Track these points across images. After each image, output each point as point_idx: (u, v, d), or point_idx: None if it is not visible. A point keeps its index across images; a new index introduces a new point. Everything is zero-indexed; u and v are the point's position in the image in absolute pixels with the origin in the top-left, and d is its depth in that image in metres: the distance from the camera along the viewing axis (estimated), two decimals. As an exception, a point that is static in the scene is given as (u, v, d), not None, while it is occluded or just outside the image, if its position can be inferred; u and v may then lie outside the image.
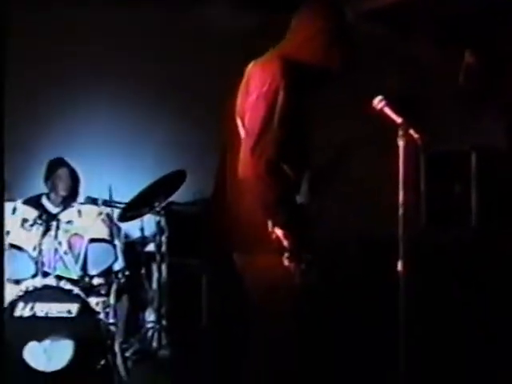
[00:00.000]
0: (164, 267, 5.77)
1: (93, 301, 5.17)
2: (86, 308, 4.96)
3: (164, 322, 5.72)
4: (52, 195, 6.19)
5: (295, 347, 3.43)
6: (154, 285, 5.91)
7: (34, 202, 5.82)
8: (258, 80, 3.37)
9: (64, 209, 5.84)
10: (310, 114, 3.50)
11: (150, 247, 5.97)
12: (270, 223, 3.30)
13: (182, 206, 6.31)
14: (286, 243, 3.28)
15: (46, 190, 6.24)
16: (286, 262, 3.29)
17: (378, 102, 3.62)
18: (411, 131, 3.53)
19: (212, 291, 6.29)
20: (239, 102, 3.50)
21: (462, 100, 6.22)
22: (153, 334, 5.72)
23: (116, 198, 5.79)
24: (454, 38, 6.23)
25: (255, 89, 3.37)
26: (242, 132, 3.42)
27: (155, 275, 5.88)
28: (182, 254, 6.09)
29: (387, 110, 3.59)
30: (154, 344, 5.71)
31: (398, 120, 3.57)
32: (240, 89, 3.51)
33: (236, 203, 3.44)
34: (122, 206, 5.70)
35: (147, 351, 5.63)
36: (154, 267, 5.89)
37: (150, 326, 5.83)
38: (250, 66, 3.52)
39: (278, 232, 3.28)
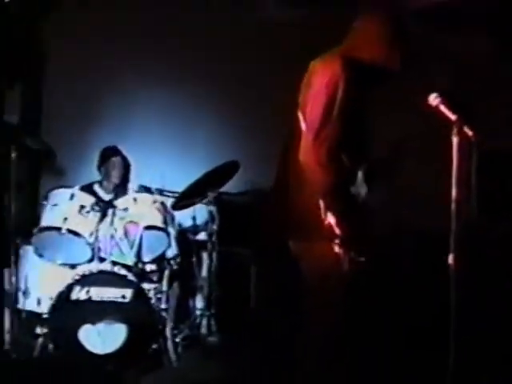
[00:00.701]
0: (214, 256, 5.87)
1: (146, 286, 5.27)
2: (139, 293, 5.10)
3: (213, 310, 5.83)
4: (104, 182, 6.33)
5: (343, 334, 3.52)
6: (205, 273, 6.01)
7: (88, 189, 5.94)
8: (320, 75, 3.54)
9: (116, 196, 6.00)
10: (368, 108, 3.61)
11: (202, 236, 6.07)
12: (323, 210, 3.42)
13: (233, 196, 6.40)
14: (337, 231, 3.39)
15: (98, 178, 6.37)
16: (337, 249, 3.41)
17: (434, 99, 3.68)
18: (465, 128, 3.59)
19: (260, 280, 6.36)
20: (302, 95, 3.64)
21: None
22: (202, 321, 5.86)
23: (167, 187, 5.92)
24: (506, 34, 6.23)
25: (316, 83, 3.53)
26: (303, 124, 3.55)
27: (206, 263, 5.98)
28: (232, 243, 6.18)
29: (442, 107, 3.65)
30: (204, 330, 5.85)
31: (453, 117, 3.62)
32: (303, 83, 3.65)
33: (296, 192, 3.55)
34: (175, 194, 5.83)
35: (197, 337, 5.77)
36: (205, 255, 6.00)
37: (199, 312, 5.97)
38: (313, 62, 3.64)
39: (331, 219, 3.40)
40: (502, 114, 6.16)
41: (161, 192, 5.74)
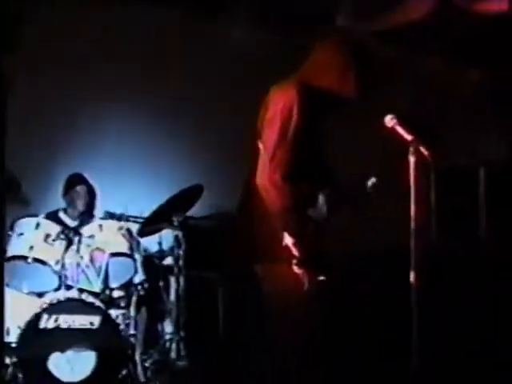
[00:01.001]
0: (181, 280, 5.90)
1: (113, 313, 5.30)
2: (107, 320, 5.13)
3: (182, 334, 5.85)
4: (69, 210, 6.34)
5: (310, 351, 3.59)
6: (172, 297, 6.03)
7: (53, 216, 5.97)
8: (276, 101, 3.66)
9: (81, 223, 6.03)
10: (325, 134, 3.69)
11: (168, 260, 6.10)
12: (280, 232, 3.51)
13: (198, 220, 6.44)
14: (295, 251, 3.47)
15: (63, 205, 6.38)
16: (296, 270, 3.48)
17: (390, 121, 3.77)
18: (421, 148, 3.68)
19: (228, 303, 6.41)
20: (260, 120, 3.72)
21: (470, 116, 6.38)
22: (171, 345, 5.88)
23: (133, 213, 5.96)
24: (462, 55, 6.37)
25: (272, 108, 3.62)
26: (261, 148, 3.63)
27: (173, 287, 6.01)
28: (198, 267, 6.22)
29: (398, 128, 3.75)
30: (173, 355, 5.86)
31: (409, 138, 3.71)
32: (261, 108, 3.73)
33: (257, 215, 3.62)
34: (140, 220, 5.88)
35: (166, 362, 5.77)
36: (172, 280, 6.03)
37: (168, 337, 5.97)
38: (272, 88, 3.73)
39: (288, 240, 3.48)
40: (458, 133, 6.31)
41: (127, 218, 5.77)
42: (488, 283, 5.64)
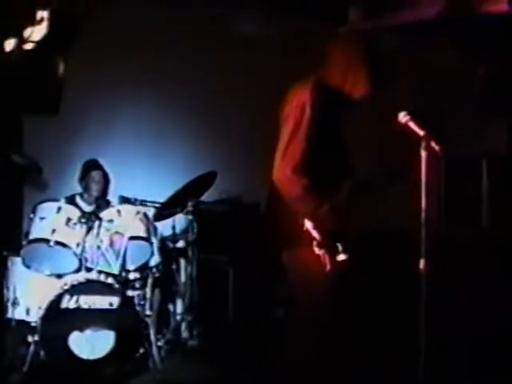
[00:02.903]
0: (194, 262, 6.12)
1: (130, 294, 5.52)
2: (125, 301, 5.35)
3: (193, 315, 6.09)
4: (85, 195, 6.55)
5: (330, 330, 3.82)
6: (184, 279, 6.24)
7: (71, 201, 6.15)
8: (293, 98, 3.86)
9: (97, 207, 6.24)
10: (344, 130, 3.91)
11: (181, 244, 6.32)
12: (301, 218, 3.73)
13: (209, 205, 6.65)
14: (314, 234, 3.69)
15: (79, 190, 6.59)
16: (316, 251, 3.71)
17: (403, 117, 3.98)
18: (433, 143, 3.89)
19: (237, 285, 6.63)
20: (281, 114, 3.93)
21: (476, 108, 6.57)
22: (182, 325, 6.11)
23: (147, 198, 6.16)
24: (470, 50, 6.53)
25: (288, 106, 3.84)
26: None
27: (186, 270, 6.23)
28: (210, 250, 6.44)
29: (411, 124, 3.95)
30: (184, 335, 6.09)
31: (421, 133, 3.92)
32: (283, 104, 3.93)
33: (281, 205, 3.84)
34: (154, 205, 6.08)
35: (178, 341, 6.01)
36: (185, 263, 6.25)
37: (180, 317, 6.21)
38: (292, 88, 3.93)
39: (308, 224, 3.70)
40: (466, 125, 6.49)
41: (141, 203, 5.98)
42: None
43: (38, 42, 4.53)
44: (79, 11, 6.04)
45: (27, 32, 4.37)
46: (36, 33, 4.45)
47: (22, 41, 4.47)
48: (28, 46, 4.49)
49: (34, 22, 4.30)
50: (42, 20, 4.44)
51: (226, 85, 7.19)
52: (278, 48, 7.13)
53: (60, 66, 4.89)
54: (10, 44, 4.37)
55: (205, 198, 6.36)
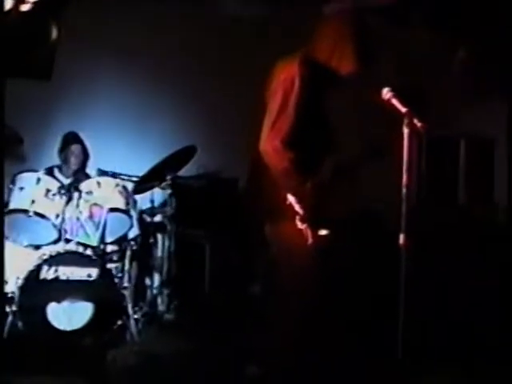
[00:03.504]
0: (171, 236, 6.14)
1: (108, 266, 5.53)
2: (104, 272, 5.38)
3: (170, 288, 6.10)
4: (64, 167, 6.54)
5: (312, 304, 3.88)
6: (161, 253, 6.27)
7: (49, 173, 6.15)
8: (281, 72, 3.90)
9: (76, 180, 6.22)
10: (330, 106, 3.95)
11: (158, 218, 6.34)
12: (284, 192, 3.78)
13: (187, 180, 6.68)
14: (297, 209, 3.74)
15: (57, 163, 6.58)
16: (299, 225, 3.76)
17: (386, 93, 4.02)
18: (415, 120, 3.94)
19: (214, 259, 6.67)
20: (266, 91, 3.96)
21: (455, 89, 6.65)
22: (159, 299, 6.14)
23: (124, 172, 6.17)
24: (450, 29, 6.60)
25: (276, 79, 3.88)
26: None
27: (163, 244, 6.25)
28: (187, 224, 6.47)
29: (394, 101, 4.00)
30: (161, 308, 6.13)
31: (404, 110, 3.97)
32: (269, 79, 3.96)
33: (264, 179, 3.88)
34: (131, 178, 6.09)
35: (155, 314, 6.03)
36: (162, 236, 6.27)
37: (157, 291, 6.24)
38: (280, 61, 3.96)
39: (291, 198, 3.75)
40: (445, 105, 6.57)
41: (118, 176, 5.98)
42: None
43: (34, 4, 4.51)
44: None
45: (25, -9, 4.37)
46: (32, -6, 4.44)
47: (19, 0, 4.45)
48: (25, 7, 4.47)
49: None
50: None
51: (207, 61, 7.21)
52: (257, 26, 7.13)
53: (54, 30, 4.87)
54: (8, 3, 4.35)
55: (183, 172, 6.36)
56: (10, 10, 4.05)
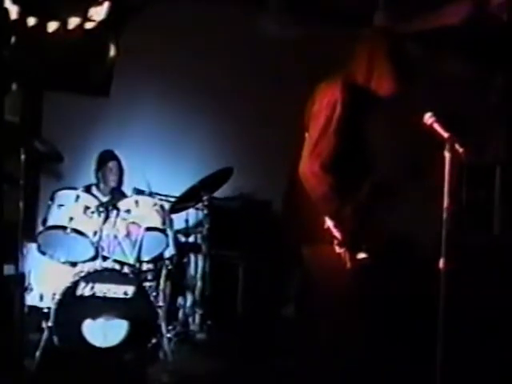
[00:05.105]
0: (205, 257, 6.18)
1: (144, 284, 5.54)
2: (140, 290, 5.40)
3: (203, 308, 6.14)
4: (101, 185, 6.60)
5: (349, 327, 3.88)
6: (195, 273, 6.31)
7: (88, 191, 6.19)
8: (322, 96, 3.92)
9: (113, 198, 6.29)
10: (369, 129, 3.98)
11: (193, 238, 6.38)
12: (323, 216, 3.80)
13: (222, 201, 6.72)
14: (335, 233, 3.75)
15: (94, 181, 6.64)
16: (337, 250, 3.78)
17: (428, 118, 4.05)
18: (457, 145, 3.95)
19: (247, 280, 6.70)
20: (307, 113, 3.99)
21: (492, 116, 6.66)
22: (193, 318, 6.17)
23: (161, 191, 6.22)
24: (488, 57, 6.61)
25: (318, 102, 3.90)
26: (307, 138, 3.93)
27: (197, 264, 6.29)
28: (221, 245, 6.51)
29: (436, 126, 4.02)
30: (193, 327, 6.15)
31: (445, 135, 3.99)
32: (308, 104, 4.00)
33: (301, 202, 3.91)
34: (168, 198, 6.14)
35: (187, 333, 6.08)
36: (196, 256, 6.32)
37: (189, 310, 6.27)
38: (321, 84, 4.00)
39: (329, 222, 3.76)
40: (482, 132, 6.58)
41: (155, 195, 6.02)
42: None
43: (97, 23, 4.60)
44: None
45: (91, 11, 4.45)
46: (97, 14, 4.52)
47: (84, 19, 4.53)
48: (88, 26, 4.56)
49: (97, 2, 4.39)
50: (103, 1, 4.52)
51: (246, 85, 7.30)
52: (292, 49, 7.19)
53: (113, 48, 4.95)
54: (74, 22, 4.43)
55: (218, 193, 6.43)
56: (74, 28, 4.14)
